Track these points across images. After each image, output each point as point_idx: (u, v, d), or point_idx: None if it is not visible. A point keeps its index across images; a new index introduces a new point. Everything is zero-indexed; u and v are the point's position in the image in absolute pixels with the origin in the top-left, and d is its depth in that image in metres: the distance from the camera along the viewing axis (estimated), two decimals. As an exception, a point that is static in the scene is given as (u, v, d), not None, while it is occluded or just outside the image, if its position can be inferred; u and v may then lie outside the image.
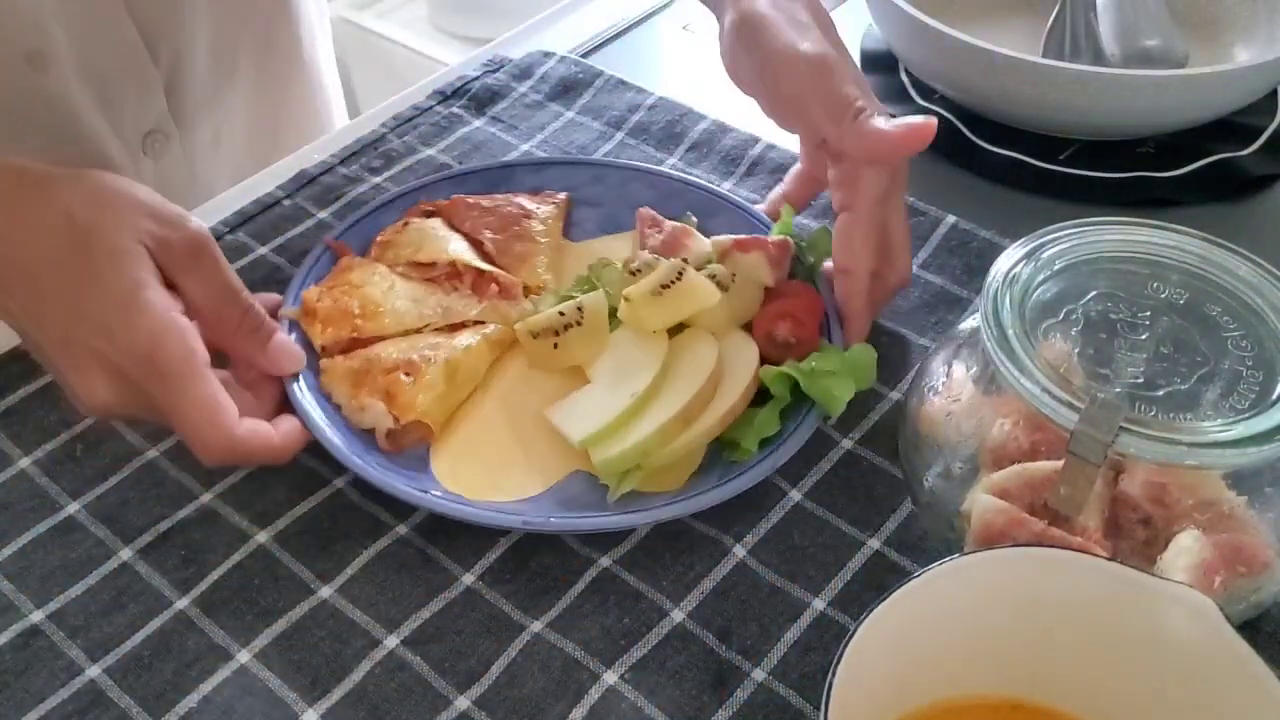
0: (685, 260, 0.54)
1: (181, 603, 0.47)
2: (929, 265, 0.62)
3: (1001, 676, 0.38)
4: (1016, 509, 0.41)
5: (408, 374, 0.52)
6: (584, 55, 0.80)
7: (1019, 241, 0.45)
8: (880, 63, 0.78)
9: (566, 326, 0.54)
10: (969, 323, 0.46)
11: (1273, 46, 0.72)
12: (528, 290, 0.59)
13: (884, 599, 0.34)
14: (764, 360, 0.53)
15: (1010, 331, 0.42)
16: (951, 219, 0.63)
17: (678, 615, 0.47)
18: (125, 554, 0.49)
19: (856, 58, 0.80)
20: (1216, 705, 0.35)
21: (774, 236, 0.57)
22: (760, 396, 0.52)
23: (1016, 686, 0.39)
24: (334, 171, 0.68)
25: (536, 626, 0.46)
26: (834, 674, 0.32)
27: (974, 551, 0.37)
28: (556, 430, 0.52)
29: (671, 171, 0.65)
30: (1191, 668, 0.35)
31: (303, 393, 0.52)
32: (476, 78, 0.75)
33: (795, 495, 0.51)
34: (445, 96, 0.74)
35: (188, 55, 0.69)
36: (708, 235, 0.58)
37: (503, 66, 0.76)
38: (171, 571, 0.48)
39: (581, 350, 0.54)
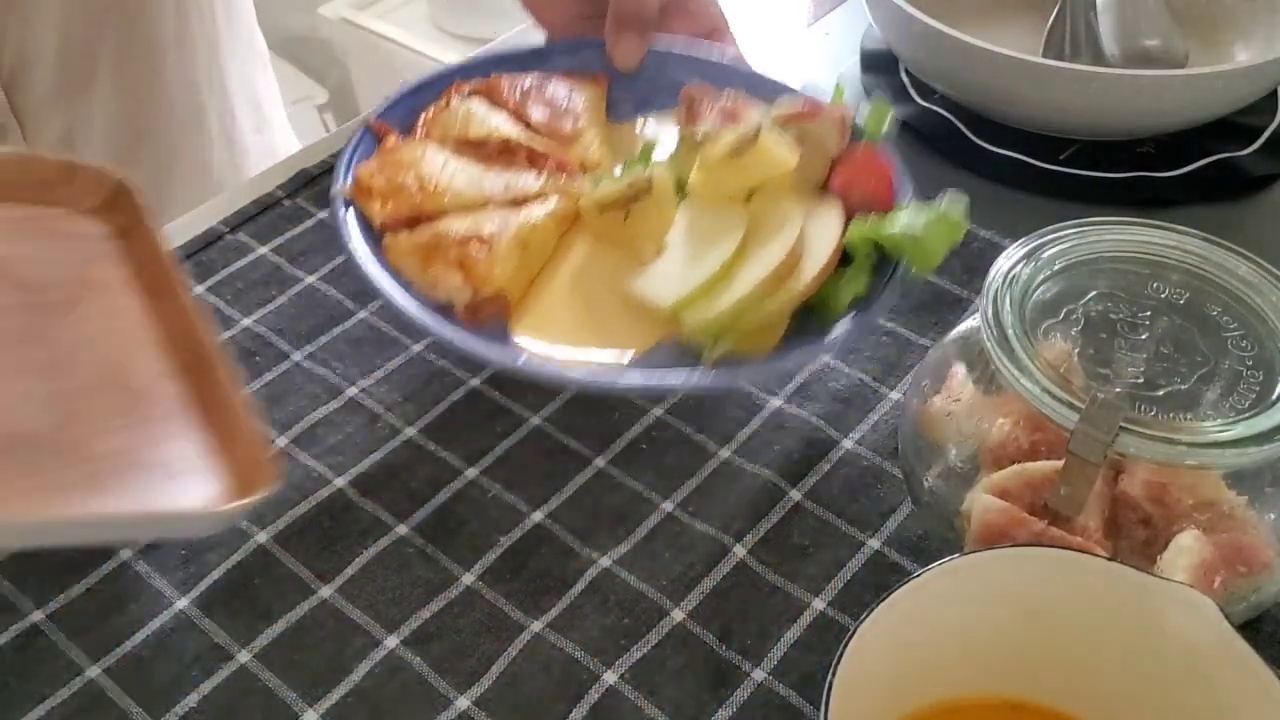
0: (760, 123, 0.52)
1: (181, 603, 0.47)
2: (929, 265, 0.62)
3: (1001, 676, 0.38)
4: (1016, 509, 0.41)
5: (482, 245, 0.51)
6: (584, 55, 0.79)
7: (1019, 241, 0.45)
8: (880, 63, 0.78)
9: (636, 198, 0.53)
10: (969, 323, 0.46)
11: (1273, 46, 0.72)
12: (584, 168, 0.57)
13: (884, 599, 0.34)
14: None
15: (1010, 331, 0.42)
16: (951, 219, 0.63)
17: (678, 615, 0.47)
18: (125, 554, 0.49)
19: (856, 58, 0.80)
20: (1216, 705, 0.35)
21: (831, 107, 0.55)
22: (845, 260, 0.51)
23: (1016, 686, 0.39)
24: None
25: (536, 626, 0.46)
26: (834, 674, 0.32)
27: (974, 551, 0.37)
28: (635, 303, 0.51)
29: (712, 55, 0.63)
30: (1191, 668, 0.35)
31: (371, 267, 0.50)
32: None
33: (795, 495, 0.51)
34: (445, 96, 0.74)
35: (32, 54, 0.69)
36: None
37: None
38: (171, 571, 0.48)
39: (651, 222, 0.53)
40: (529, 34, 0.82)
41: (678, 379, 0.48)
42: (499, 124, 0.58)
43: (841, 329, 0.50)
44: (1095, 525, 0.41)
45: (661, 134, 0.58)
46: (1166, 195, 0.67)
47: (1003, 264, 0.44)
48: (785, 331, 0.51)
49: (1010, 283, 0.44)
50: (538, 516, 0.50)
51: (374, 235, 0.53)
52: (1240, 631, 0.34)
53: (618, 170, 0.57)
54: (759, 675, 0.45)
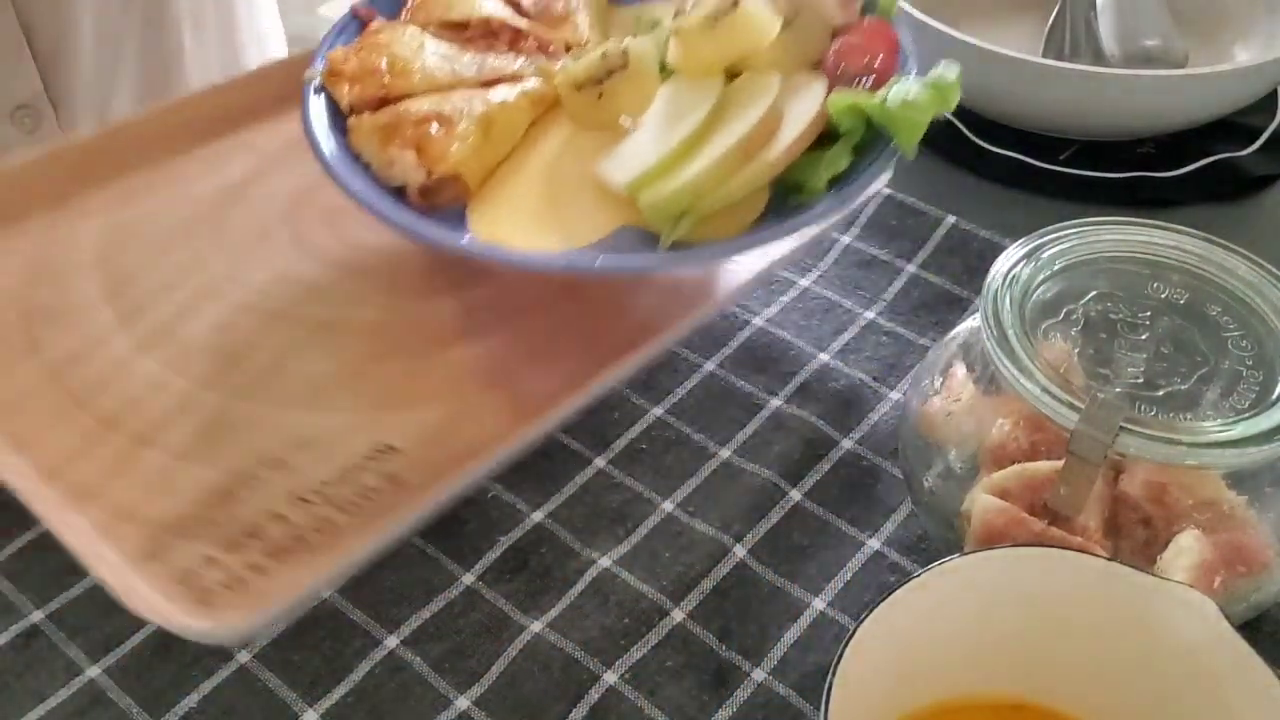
0: None
1: (181, 603, 0.47)
2: (929, 265, 0.62)
3: (1001, 676, 0.38)
4: (1016, 509, 0.41)
5: (440, 125, 0.50)
6: (584, 55, 0.80)
7: (1019, 241, 0.45)
8: (880, 63, 0.78)
9: (610, 72, 0.50)
10: (969, 323, 0.46)
11: (1273, 46, 0.72)
12: (569, 49, 0.55)
13: (884, 599, 0.34)
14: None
15: (1010, 331, 0.42)
16: (951, 219, 0.63)
17: (678, 615, 0.47)
18: (125, 554, 0.49)
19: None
20: (1216, 705, 0.35)
21: None
22: (830, 138, 0.47)
23: (1016, 686, 0.39)
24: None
25: (536, 626, 0.46)
26: (834, 674, 0.32)
27: (974, 551, 0.37)
28: (603, 187, 0.48)
29: None
30: (1191, 668, 0.35)
31: (330, 151, 0.49)
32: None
33: (795, 495, 0.51)
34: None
35: (69, 38, 0.71)
36: None
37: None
38: (171, 571, 0.48)
39: (629, 99, 0.50)
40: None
41: (622, 262, 0.45)
42: (486, 4, 0.55)
43: (817, 208, 0.45)
44: (1095, 525, 0.41)
45: (664, 15, 0.54)
46: (1166, 195, 0.67)
47: (1003, 264, 0.44)
48: (761, 217, 0.47)
49: (1010, 283, 0.44)
50: (538, 516, 0.50)
51: (343, 121, 0.52)
52: (1240, 631, 0.33)
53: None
54: (759, 675, 0.45)
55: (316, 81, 0.52)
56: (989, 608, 0.37)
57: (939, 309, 0.59)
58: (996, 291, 0.43)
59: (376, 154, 0.50)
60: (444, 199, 0.49)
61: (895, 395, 0.55)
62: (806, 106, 0.47)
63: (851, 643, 0.33)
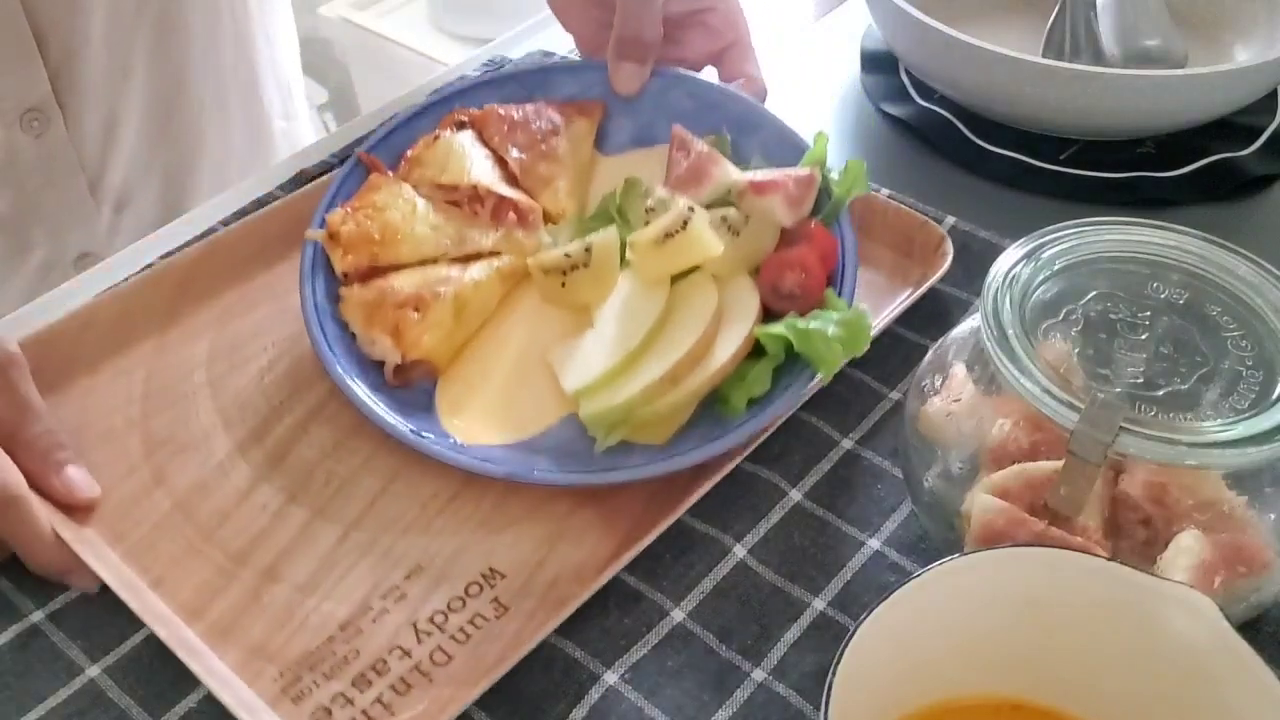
0: (692, 208, 0.53)
1: (182, 603, 0.47)
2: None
3: (1001, 676, 0.38)
4: (1016, 509, 0.41)
5: (416, 310, 0.53)
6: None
7: (1019, 241, 0.45)
8: (880, 63, 0.78)
9: (574, 267, 0.55)
10: (969, 323, 0.46)
11: (1273, 46, 0.72)
12: (548, 217, 0.59)
13: (884, 599, 0.34)
14: (767, 310, 0.52)
15: (1010, 331, 0.42)
16: (951, 219, 0.63)
17: (678, 615, 0.47)
18: (125, 554, 0.49)
19: (856, 58, 0.80)
20: (1216, 705, 0.34)
21: (799, 170, 0.55)
22: (760, 350, 0.52)
23: (1016, 686, 0.39)
24: (333, 171, 0.68)
25: (536, 627, 0.46)
26: (834, 674, 0.32)
27: (974, 551, 0.37)
28: (555, 377, 0.53)
29: (713, 81, 0.63)
30: (1191, 668, 0.35)
31: (320, 319, 0.54)
32: (476, 77, 0.75)
33: (795, 495, 0.51)
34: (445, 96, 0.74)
35: (80, 46, 0.71)
36: (742, 154, 0.58)
37: (502, 66, 0.76)
38: (171, 572, 0.48)
39: (589, 291, 0.55)
40: (530, 34, 0.82)
41: (557, 477, 0.49)
42: (474, 167, 0.59)
43: (735, 431, 0.50)
44: (1095, 525, 0.41)
45: (644, 173, 0.59)
46: (1166, 195, 0.67)
47: (1003, 264, 0.44)
48: (692, 419, 0.52)
49: (1010, 283, 0.44)
50: (538, 517, 0.50)
51: (338, 282, 0.56)
52: (1240, 631, 0.33)
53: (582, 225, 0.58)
54: (759, 675, 0.45)
55: (313, 242, 0.56)
56: (989, 608, 0.37)
57: (939, 309, 0.59)
58: (996, 291, 0.43)
59: (361, 331, 0.54)
60: (416, 375, 0.54)
61: (895, 395, 0.55)
62: (736, 331, 0.52)
63: (851, 643, 0.33)
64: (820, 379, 0.50)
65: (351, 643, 0.45)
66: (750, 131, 0.60)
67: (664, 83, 0.62)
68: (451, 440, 0.51)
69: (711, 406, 0.52)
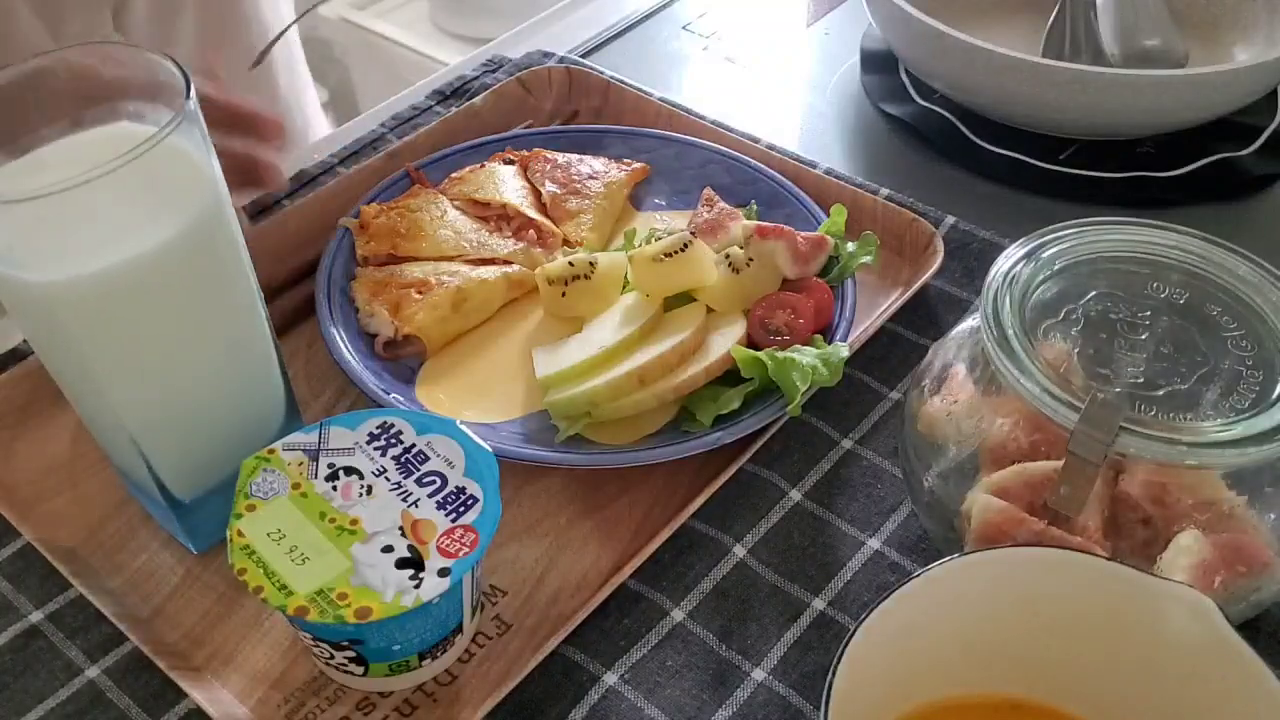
0: (694, 234, 0.55)
1: (181, 603, 0.47)
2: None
3: (1001, 676, 0.38)
4: (1016, 509, 0.41)
5: (420, 291, 0.56)
6: (584, 55, 0.80)
7: (1019, 241, 0.45)
8: (880, 63, 0.78)
9: (575, 278, 0.56)
10: (969, 323, 0.46)
11: (1273, 46, 0.72)
12: (568, 243, 0.61)
13: (884, 599, 0.34)
14: (753, 345, 0.53)
15: (1010, 331, 0.42)
16: (951, 219, 0.63)
17: (678, 615, 0.47)
18: (125, 554, 0.49)
19: (856, 58, 0.80)
20: (1216, 705, 0.35)
21: (812, 233, 0.57)
22: (737, 379, 0.52)
23: (1016, 686, 0.39)
24: (333, 171, 0.68)
25: (536, 626, 0.46)
26: (834, 674, 0.32)
27: (974, 551, 0.37)
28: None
29: (752, 161, 0.66)
30: (1191, 668, 0.35)
31: (330, 289, 0.57)
32: (476, 78, 0.75)
33: (795, 495, 0.51)
34: (444, 96, 0.74)
35: None
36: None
37: (502, 66, 0.76)
38: (171, 571, 0.48)
39: (586, 303, 0.57)
40: (530, 34, 0.83)
41: (515, 449, 0.50)
42: (509, 191, 0.62)
43: (697, 439, 0.51)
44: (1095, 525, 0.41)
45: (669, 228, 0.62)
46: (1166, 195, 0.67)
47: (1003, 264, 0.44)
48: (661, 430, 0.52)
49: (1010, 283, 0.44)
50: (538, 516, 0.50)
51: (356, 265, 0.60)
52: (1240, 631, 0.34)
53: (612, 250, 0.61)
54: (759, 675, 0.45)
55: (344, 227, 0.60)
56: (989, 607, 0.37)
57: (939, 309, 0.59)
58: (996, 291, 0.43)
59: (363, 304, 0.57)
60: (406, 353, 0.56)
61: (895, 395, 0.55)
62: (715, 350, 0.53)
63: (851, 643, 0.33)
64: (789, 411, 0.51)
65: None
66: (779, 206, 0.63)
67: (706, 155, 0.67)
68: (420, 407, 0.53)
69: (679, 425, 0.52)
